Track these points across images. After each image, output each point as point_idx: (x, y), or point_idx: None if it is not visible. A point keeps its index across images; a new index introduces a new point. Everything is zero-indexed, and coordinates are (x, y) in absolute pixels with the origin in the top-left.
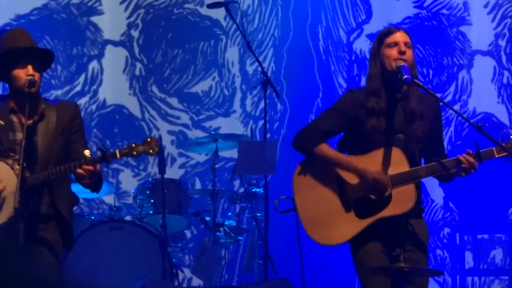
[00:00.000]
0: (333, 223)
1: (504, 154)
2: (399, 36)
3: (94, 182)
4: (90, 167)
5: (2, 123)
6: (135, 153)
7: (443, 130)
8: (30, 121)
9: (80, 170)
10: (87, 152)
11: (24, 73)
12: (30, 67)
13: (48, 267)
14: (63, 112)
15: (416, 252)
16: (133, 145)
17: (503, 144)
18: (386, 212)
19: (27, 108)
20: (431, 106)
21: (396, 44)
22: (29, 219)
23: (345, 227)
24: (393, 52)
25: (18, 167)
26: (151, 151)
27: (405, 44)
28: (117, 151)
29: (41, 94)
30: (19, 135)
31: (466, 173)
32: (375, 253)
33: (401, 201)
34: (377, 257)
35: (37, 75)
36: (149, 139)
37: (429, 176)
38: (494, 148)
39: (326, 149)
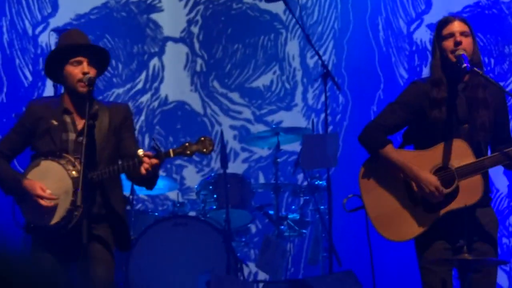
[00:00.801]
0: (402, 220)
1: None
2: (455, 26)
3: (149, 178)
4: (155, 160)
5: (55, 123)
6: (188, 152)
7: (509, 119)
8: (83, 121)
9: (145, 166)
10: (140, 152)
11: (79, 70)
12: (85, 63)
13: (105, 264)
14: (116, 113)
15: (483, 243)
16: (187, 144)
17: None
18: (454, 205)
19: (87, 106)
20: (496, 94)
21: (452, 35)
22: (82, 219)
23: (414, 222)
24: (450, 43)
25: (71, 167)
26: (204, 150)
27: (462, 33)
28: (170, 150)
29: (95, 93)
30: (72, 135)
31: None
32: (440, 254)
33: (468, 193)
34: (441, 252)
35: (92, 71)
36: (202, 138)
37: (495, 166)
38: None
39: (391, 152)
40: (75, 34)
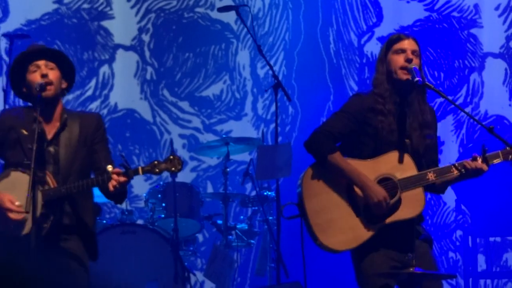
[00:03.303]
0: (344, 228)
1: (510, 157)
2: (407, 44)
3: (118, 193)
4: (123, 178)
5: (25, 133)
6: (157, 170)
7: (437, 137)
8: (53, 129)
9: (113, 182)
10: (109, 167)
11: (38, 74)
12: (42, 66)
13: (77, 279)
14: (87, 122)
15: (426, 256)
16: (156, 162)
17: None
18: (397, 216)
19: (37, 111)
20: (433, 116)
21: (403, 51)
22: (52, 230)
23: (356, 231)
24: (400, 59)
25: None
26: (173, 168)
27: (413, 52)
28: (139, 168)
29: (62, 102)
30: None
31: (474, 176)
32: (380, 262)
33: (411, 204)
34: (382, 266)
35: (53, 74)
36: (171, 157)
37: (437, 179)
38: (500, 152)
39: (339, 159)
40: (29, 47)
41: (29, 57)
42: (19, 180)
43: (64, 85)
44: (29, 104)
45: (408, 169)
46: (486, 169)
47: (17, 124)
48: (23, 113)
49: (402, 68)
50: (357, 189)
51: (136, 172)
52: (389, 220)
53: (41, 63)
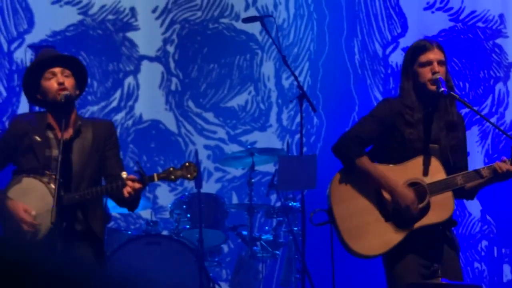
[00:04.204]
0: (373, 233)
1: None
2: (433, 54)
3: (131, 201)
4: (138, 185)
5: (39, 139)
6: (173, 177)
7: (466, 142)
8: (67, 136)
9: (128, 189)
10: (124, 174)
11: (55, 81)
12: (59, 74)
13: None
14: (99, 129)
15: (452, 266)
16: (171, 169)
17: None
18: (425, 221)
19: (63, 122)
20: (461, 121)
21: (430, 63)
22: (65, 236)
23: (385, 236)
24: (427, 72)
25: (53, 185)
26: (189, 175)
27: (439, 62)
28: (154, 174)
29: (77, 110)
30: (55, 152)
31: (504, 179)
32: (412, 268)
33: (439, 209)
34: (414, 272)
35: (68, 82)
36: (187, 164)
37: (466, 184)
38: None
39: (367, 163)
40: (44, 51)
41: (44, 63)
42: (32, 186)
43: (77, 92)
44: (40, 109)
45: (436, 173)
46: None
47: (30, 130)
48: (35, 119)
49: (430, 80)
50: (385, 194)
51: (151, 179)
52: (418, 224)
53: (57, 70)
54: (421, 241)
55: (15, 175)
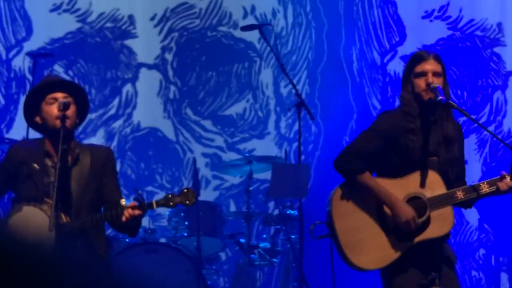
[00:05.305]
0: (373, 247)
1: None
2: (428, 65)
3: (131, 227)
4: (138, 211)
5: (37, 167)
6: (171, 203)
7: (463, 152)
8: (66, 164)
9: (126, 215)
10: (123, 202)
11: (56, 107)
12: (60, 99)
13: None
14: (97, 156)
15: (449, 275)
16: (170, 196)
17: None
18: (425, 235)
19: (60, 145)
20: (458, 131)
21: (424, 74)
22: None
23: (386, 251)
24: (422, 83)
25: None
26: (187, 202)
27: (434, 73)
28: (153, 202)
29: (74, 136)
30: (52, 180)
31: (504, 194)
32: (411, 281)
33: (439, 223)
34: (413, 284)
35: (70, 110)
36: (185, 190)
37: (466, 198)
38: None
39: (368, 179)
40: (48, 76)
41: (48, 88)
42: (32, 215)
43: (77, 121)
44: (37, 136)
45: (437, 187)
46: None
47: (29, 158)
48: (33, 147)
49: (424, 90)
50: (386, 209)
51: (150, 206)
52: (418, 239)
53: (60, 96)
54: (420, 254)
55: (15, 203)
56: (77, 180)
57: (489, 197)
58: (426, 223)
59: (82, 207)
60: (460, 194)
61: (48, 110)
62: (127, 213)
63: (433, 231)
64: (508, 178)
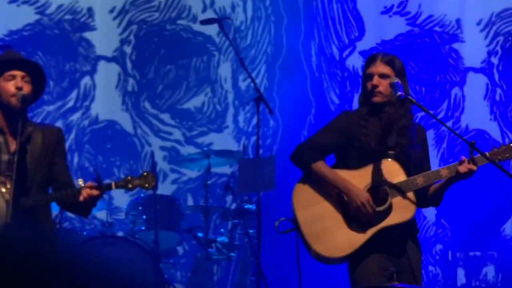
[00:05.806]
0: (337, 236)
1: (497, 158)
2: (375, 68)
3: (86, 207)
4: (96, 192)
5: None
6: (130, 186)
7: (429, 152)
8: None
9: (84, 195)
10: (80, 181)
11: (13, 84)
12: (18, 78)
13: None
14: (49, 135)
15: (412, 271)
16: (129, 178)
17: (495, 149)
18: (388, 222)
19: (20, 123)
20: (421, 132)
21: (371, 76)
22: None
23: (349, 238)
24: (369, 85)
25: (4, 189)
26: (146, 185)
27: (380, 75)
28: (112, 183)
29: (33, 110)
30: (5, 157)
31: (464, 178)
32: (374, 271)
33: (401, 210)
34: (376, 275)
35: (27, 88)
36: (145, 173)
37: (426, 184)
38: (487, 153)
39: (323, 167)
40: (10, 52)
41: (7, 64)
42: None
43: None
44: None
45: (397, 175)
46: (475, 168)
47: None
48: None
49: (371, 91)
50: (345, 197)
51: (109, 187)
52: (381, 225)
53: (19, 74)
54: (384, 242)
55: None
56: (29, 158)
57: (451, 185)
58: (389, 211)
59: (33, 184)
60: (420, 180)
61: (5, 86)
62: (85, 192)
63: (396, 218)
64: (467, 162)
